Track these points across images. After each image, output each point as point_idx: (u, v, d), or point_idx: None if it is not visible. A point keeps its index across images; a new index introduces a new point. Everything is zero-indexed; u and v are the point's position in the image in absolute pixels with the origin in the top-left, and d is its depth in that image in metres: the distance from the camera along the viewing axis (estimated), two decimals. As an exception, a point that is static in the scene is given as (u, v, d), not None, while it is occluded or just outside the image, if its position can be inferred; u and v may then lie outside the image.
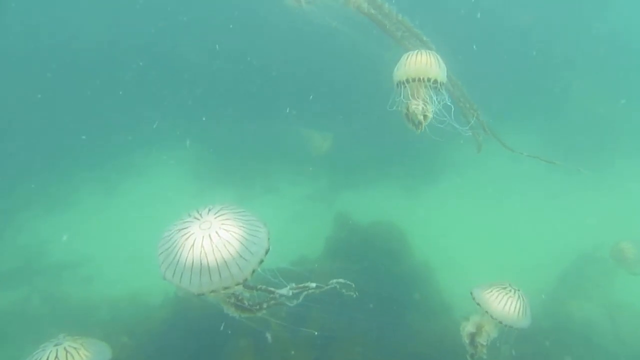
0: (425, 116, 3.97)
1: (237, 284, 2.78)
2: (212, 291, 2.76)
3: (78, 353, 3.69)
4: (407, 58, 3.99)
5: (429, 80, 3.91)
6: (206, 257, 2.72)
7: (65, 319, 8.21)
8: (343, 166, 10.93)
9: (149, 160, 12.18)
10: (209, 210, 2.98)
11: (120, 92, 12.61)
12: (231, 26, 12.31)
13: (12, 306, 8.73)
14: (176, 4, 13.96)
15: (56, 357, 3.62)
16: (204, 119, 12.04)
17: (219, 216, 2.92)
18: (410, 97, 3.95)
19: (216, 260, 2.73)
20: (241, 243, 2.81)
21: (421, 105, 3.94)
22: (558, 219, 9.22)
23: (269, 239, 2.96)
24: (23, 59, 13.60)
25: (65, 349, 3.67)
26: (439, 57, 4.03)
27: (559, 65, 12.79)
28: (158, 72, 13.22)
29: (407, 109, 3.98)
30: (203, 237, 2.75)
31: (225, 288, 2.75)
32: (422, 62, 3.92)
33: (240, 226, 2.88)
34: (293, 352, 5.85)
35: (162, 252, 2.89)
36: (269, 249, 2.92)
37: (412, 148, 10.07)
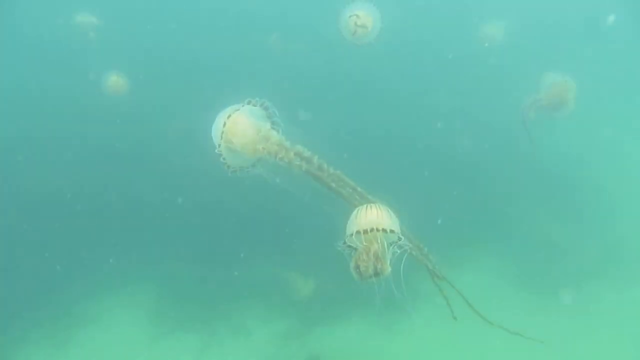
0: (378, 270, 3.82)
1: None
2: None
3: None
4: (358, 212, 3.96)
5: (382, 231, 3.82)
6: None
7: None
8: (318, 300, 10.55)
9: (102, 306, 11.40)
10: None
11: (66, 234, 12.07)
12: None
13: None
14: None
15: None
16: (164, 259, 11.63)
17: None
18: (362, 252, 3.80)
19: None
20: None
21: (372, 260, 3.79)
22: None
23: None
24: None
25: None
26: (389, 209, 4.00)
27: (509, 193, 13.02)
28: (110, 202, 12.86)
29: (358, 263, 3.79)
30: None
31: None
32: (373, 214, 3.89)
33: None
34: None
35: None
36: None
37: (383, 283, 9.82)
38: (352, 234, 3.86)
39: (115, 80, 11.61)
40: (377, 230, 3.81)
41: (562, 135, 12.97)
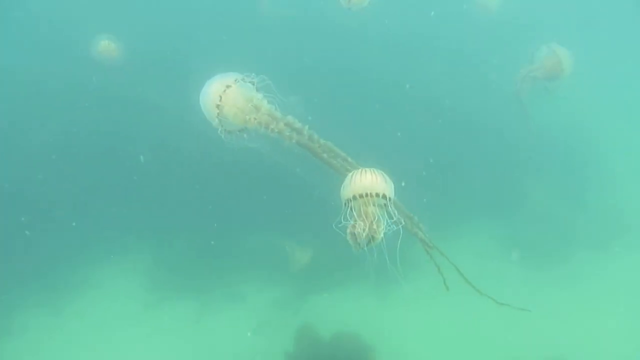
0: (373, 236, 3.84)
1: None
2: None
3: None
4: (352, 176, 3.92)
5: (376, 196, 3.81)
6: None
7: None
8: (314, 269, 10.64)
9: (99, 273, 11.51)
10: None
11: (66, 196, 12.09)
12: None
13: None
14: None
15: None
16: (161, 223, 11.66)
17: None
18: (357, 217, 3.78)
19: None
20: None
21: (368, 225, 3.79)
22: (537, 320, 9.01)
23: None
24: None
25: None
26: (384, 174, 3.98)
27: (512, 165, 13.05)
28: (108, 172, 12.83)
29: (354, 229, 3.79)
30: None
31: None
32: (367, 179, 3.86)
33: None
34: None
35: None
36: None
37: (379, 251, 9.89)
38: (347, 199, 3.84)
39: (106, 45, 11.41)
40: (372, 195, 3.80)
41: (558, 105, 12.91)
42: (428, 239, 4.49)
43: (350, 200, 3.82)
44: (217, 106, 4.21)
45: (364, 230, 3.77)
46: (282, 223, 11.23)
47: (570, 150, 13.33)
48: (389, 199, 3.87)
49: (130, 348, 9.28)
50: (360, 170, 3.93)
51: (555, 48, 7.73)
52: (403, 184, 4.20)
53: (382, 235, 3.86)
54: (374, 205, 3.82)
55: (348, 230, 3.85)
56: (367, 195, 3.78)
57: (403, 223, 3.93)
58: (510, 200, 12.12)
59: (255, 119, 4.13)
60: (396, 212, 3.88)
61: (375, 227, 3.81)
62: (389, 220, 3.86)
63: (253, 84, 4.24)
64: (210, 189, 12.20)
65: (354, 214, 3.82)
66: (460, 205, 11.30)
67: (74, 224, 11.76)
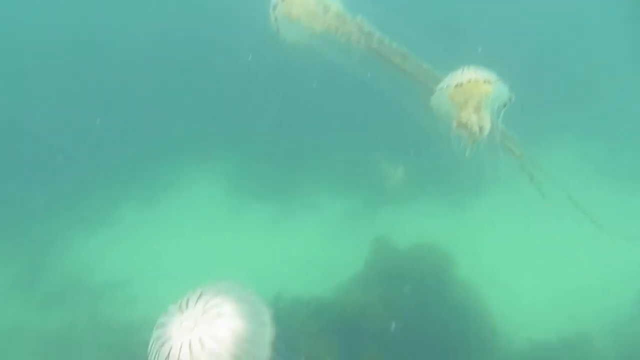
0: (481, 127, 3.60)
1: None
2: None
3: None
4: (456, 73, 3.67)
5: (484, 82, 3.57)
6: None
7: (108, 340, 8.28)
8: (391, 183, 10.42)
9: (187, 173, 12.11)
10: (199, 297, 2.35)
11: (157, 104, 12.61)
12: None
13: (58, 327, 8.87)
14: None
15: None
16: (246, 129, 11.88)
17: (208, 310, 2.29)
18: (461, 111, 3.53)
19: None
20: (235, 356, 2.22)
21: (475, 117, 3.56)
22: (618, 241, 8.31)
23: (271, 342, 2.38)
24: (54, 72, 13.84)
25: None
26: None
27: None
28: (197, 81, 13.12)
29: (460, 122, 3.53)
30: (181, 345, 2.21)
31: None
32: (471, 71, 3.62)
33: (235, 329, 2.28)
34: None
35: (148, 351, 2.38)
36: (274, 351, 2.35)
37: (458, 161, 9.40)
38: (450, 86, 3.58)
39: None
40: (477, 82, 3.54)
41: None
42: (520, 149, 4.10)
43: (455, 88, 3.56)
44: (285, 7, 3.90)
45: (471, 120, 3.51)
46: (364, 136, 11.01)
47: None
48: (497, 90, 3.60)
49: (212, 245, 9.81)
50: (461, 69, 3.66)
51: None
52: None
53: (488, 125, 3.61)
54: (479, 95, 3.56)
55: (454, 124, 3.63)
56: (473, 81, 3.53)
57: (495, 129, 3.62)
58: (608, 121, 11.01)
59: (324, 21, 3.79)
60: (502, 102, 3.59)
61: (480, 116, 3.57)
62: (494, 109, 3.60)
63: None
64: (293, 99, 12.11)
65: (457, 107, 3.60)
66: (553, 118, 10.35)
67: (162, 129, 12.39)
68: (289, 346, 2.63)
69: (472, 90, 3.53)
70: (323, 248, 9.24)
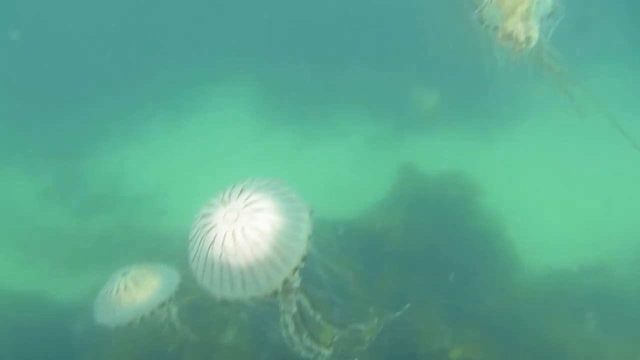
0: (528, 38, 3.34)
1: (267, 295, 2.40)
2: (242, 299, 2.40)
3: (145, 280, 3.91)
4: None
5: None
6: (227, 259, 2.30)
7: (142, 248, 8.71)
8: (418, 110, 10.17)
9: (214, 96, 12.14)
10: (240, 192, 2.43)
11: (189, 25, 12.45)
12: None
13: (96, 231, 9.34)
14: None
15: (125, 287, 3.84)
16: (273, 55, 11.68)
17: (249, 204, 2.37)
18: (506, 19, 3.30)
19: (239, 265, 2.30)
20: (273, 247, 2.33)
21: (523, 26, 3.32)
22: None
23: (309, 236, 2.45)
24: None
25: (132, 277, 3.90)
26: None
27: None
28: (224, 3, 12.81)
29: (505, 32, 3.34)
30: (225, 233, 2.30)
31: (253, 298, 2.40)
32: None
33: (274, 222, 2.36)
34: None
35: (190, 238, 2.50)
36: (307, 253, 2.43)
37: (491, 85, 9.03)
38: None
39: None
40: None
41: None
42: (561, 67, 3.90)
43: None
44: None
45: (518, 30, 3.29)
46: (396, 57, 10.68)
47: None
48: None
49: (237, 167, 9.97)
50: None
51: None
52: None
53: (536, 34, 3.34)
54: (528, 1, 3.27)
55: (499, 34, 3.37)
56: None
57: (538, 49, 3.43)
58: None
59: None
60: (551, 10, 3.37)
61: (530, 26, 3.31)
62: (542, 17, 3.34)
63: None
64: (320, 20, 11.75)
65: (503, 14, 3.32)
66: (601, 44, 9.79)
67: (190, 53, 12.30)
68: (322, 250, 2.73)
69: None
70: (349, 174, 9.28)
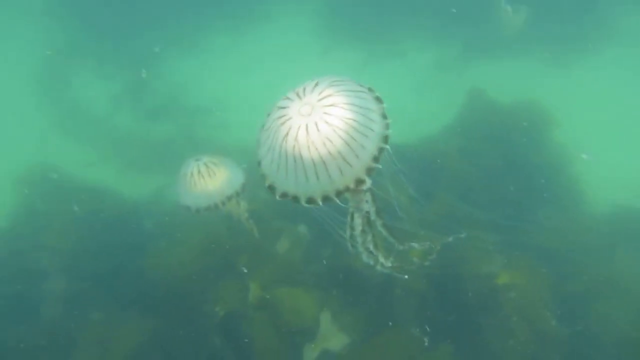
0: None
1: (339, 191, 2.40)
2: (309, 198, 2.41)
3: (217, 168, 4.06)
4: None
5: None
6: (300, 152, 2.31)
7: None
8: (479, 28, 9.51)
9: (278, 8, 11.83)
10: (315, 87, 2.41)
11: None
12: None
13: (161, 137, 9.73)
14: None
15: (199, 171, 3.99)
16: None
17: (323, 98, 2.36)
18: None
19: (312, 158, 2.31)
20: (345, 142, 2.32)
21: None
22: None
23: (386, 135, 2.43)
24: None
25: (205, 164, 4.05)
26: None
27: None
28: None
29: None
30: (299, 126, 2.31)
31: (324, 196, 2.40)
32: None
33: (348, 119, 2.34)
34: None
35: (263, 130, 2.52)
36: (382, 149, 2.41)
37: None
38: None
39: None
40: None
41: None
42: None
43: None
44: None
45: None
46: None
47: None
48: None
49: (299, 80, 9.89)
50: None
51: None
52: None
53: None
54: None
55: None
56: None
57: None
58: None
59: None
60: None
61: None
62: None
63: None
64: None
65: None
66: None
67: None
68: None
69: None
70: (413, 96, 9.04)
